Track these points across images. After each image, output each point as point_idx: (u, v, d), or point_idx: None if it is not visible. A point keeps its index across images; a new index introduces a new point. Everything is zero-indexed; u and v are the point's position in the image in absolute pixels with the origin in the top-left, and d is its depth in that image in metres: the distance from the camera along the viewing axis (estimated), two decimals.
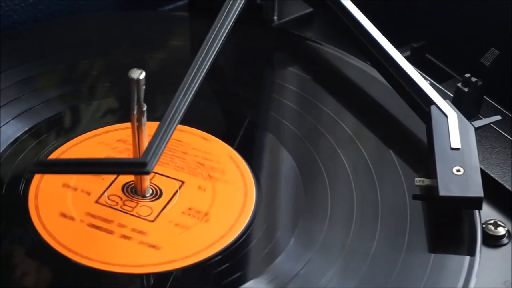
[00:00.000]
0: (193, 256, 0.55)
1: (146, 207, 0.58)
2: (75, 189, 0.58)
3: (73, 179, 0.59)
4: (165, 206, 0.58)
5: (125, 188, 0.58)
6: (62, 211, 0.57)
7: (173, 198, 0.58)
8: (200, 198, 0.58)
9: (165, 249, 0.55)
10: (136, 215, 0.57)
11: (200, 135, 0.62)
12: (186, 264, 0.54)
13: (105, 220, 0.56)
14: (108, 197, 0.58)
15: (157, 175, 0.59)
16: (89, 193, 0.58)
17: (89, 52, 0.69)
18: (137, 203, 0.58)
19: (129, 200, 0.58)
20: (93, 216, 0.56)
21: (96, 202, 0.57)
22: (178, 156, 0.60)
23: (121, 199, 0.58)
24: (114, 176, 0.59)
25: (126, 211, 0.57)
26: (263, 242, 0.56)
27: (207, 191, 0.59)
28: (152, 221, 0.57)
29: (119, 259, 0.54)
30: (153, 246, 0.55)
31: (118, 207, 0.57)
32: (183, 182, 0.59)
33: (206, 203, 0.58)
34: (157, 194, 0.58)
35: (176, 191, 0.59)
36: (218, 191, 0.59)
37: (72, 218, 0.56)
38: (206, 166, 0.60)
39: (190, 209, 0.58)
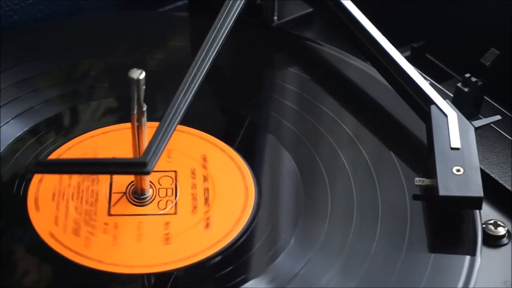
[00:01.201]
0: (193, 256, 0.55)
1: (152, 207, 0.58)
2: (75, 198, 0.58)
3: (70, 186, 0.58)
4: (175, 197, 0.58)
5: (128, 190, 0.58)
6: (68, 221, 0.56)
7: (177, 188, 0.59)
8: (199, 185, 0.59)
9: (220, 218, 0.56)
10: (159, 213, 0.57)
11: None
12: (207, 255, 0.55)
13: (114, 224, 0.56)
14: (112, 202, 0.57)
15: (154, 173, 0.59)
16: (90, 199, 0.58)
17: (89, 52, 0.69)
18: (142, 204, 0.58)
19: (133, 201, 0.58)
20: (103, 223, 0.56)
21: (101, 207, 0.57)
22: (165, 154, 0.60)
23: (125, 201, 0.58)
24: (108, 182, 0.59)
25: (132, 213, 0.57)
26: (263, 242, 0.56)
27: (207, 184, 0.59)
28: (163, 220, 0.57)
29: (140, 260, 0.54)
30: (169, 244, 0.55)
31: (135, 212, 0.57)
32: (176, 172, 0.60)
33: (208, 196, 0.58)
34: (157, 193, 0.58)
35: (174, 182, 0.59)
36: (217, 183, 0.59)
37: (80, 227, 0.56)
38: (198, 159, 0.61)
39: (193, 194, 0.58)
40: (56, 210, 0.57)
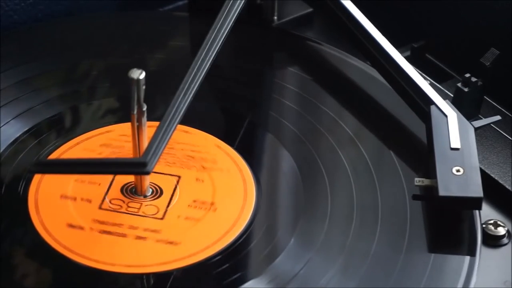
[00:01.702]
0: (193, 256, 0.55)
1: (151, 206, 0.58)
2: (75, 198, 0.58)
3: (70, 187, 0.58)
4: (169, 203, 0.58)
5: (125, 189, 0.58)
6: (68, 221, 0.56)
7: (175, 194, 0.58)
8: (201, 190, 0.59)
9: (184, 243, 0.55)
10: (144, 215, 0.57)
11: (180, 128, 0.62)
12: (207, 255, 0.54)
13: (114, 224, 0.56)
14: (110, 201, 0.58)
15: (152, 173, 0.59)
16: (90, 201, 0.58)
17: (89, 52, 0.69)
18: (141, 203, 0.58)
19: (132, 202, 0.58)
20: (102, 223, 0.56)
21: (100, 208, 0.57)
22: (166, 153, 0.60)
23: (123, 201, 0.58)
24: (110, 180, 0.59)
25: (132, 212, 0.57)
26: (263, 242, 0.56)
27: (206, 182, 0.59)
28: (162, 218, 0.57)
29: (140, 260, 0.54)
30: (171, 243, 0.55)
31: (123, 210, 0.57)
32: (179, 177, 0.59)
33: (208, 193, 0.58)
34: (158, 192, 0.58)
35: (176, 187, 0.59)
36: (216, 181, 0.59)
37: (81, 228, 0.56)
38: (197, 158, 0.60)
39: (195, 201, 0.58)
40: (56, 207, 0.57)
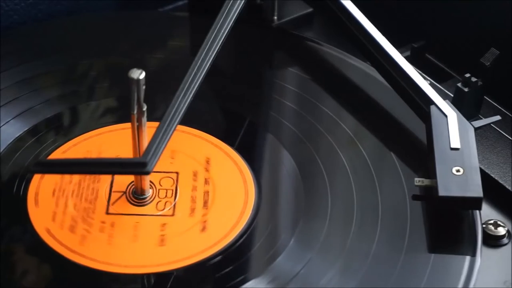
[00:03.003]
0: (193, 256, 0.55)
1: (158, 204, 0.58)
2: (76, 200, 0.58)
3: (70, 187, 0.58)
4: (175, 198, 0.58)
5: (127, 191, 0.58)
6: (68, 221, 0.56)
7: (177, 190, 0.59)
8: (201, 183, 0.59)
9: (209, 228, 0.56)
10: (154, 214, 0.57)
11: (180, 128, 0.62)
12: (207, 255, 0.55)
13: (128, 226, 0.56)
14: (114, 204, 0.57)
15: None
16: (94, 205, 0.57)
17: (89, 52, 0.69)
18: (147, 203, 0.58)
19: (137, 202, 0.58)
20: (112, 225, 0.56)
21: (107, 213, 0.57)
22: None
23: (128, 203, 0.58)
24: (110, 180, 0.59)
25: (143, 213, 0.57)
26: (263, 242, 0.56)
27: (202, 176, 0.60)
28: (172, 215, 0.57)
29: (140, 260, 0.54)
30: (203, 228, 0.56)
31: (131, 211, 0.57)
32: (177, 173, 0.60)
33: (208, 185, 0.59)
34: (157, 190, 0.58)
35: (175, 183, 0.59)
36: (217, 181, 0.59)
37: (88, 231, 0.56)
38: (196, 158, 0.61)
39: (196, 193, 0.58)
40: (55, 207, 0.57)
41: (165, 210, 0.57)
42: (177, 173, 0.60)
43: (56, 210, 0.57)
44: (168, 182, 0.59)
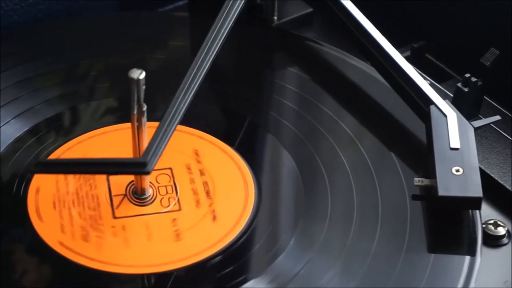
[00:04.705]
0: (194, 256, 0.55)
1: (162, 201, 0.58)
2: (78, 202, 0.58)
3: (70, 186, 0.58)
4: (176, 194, 0.58)
5: (128, 192, 0.58)
6: (69, 221, 0.56)
7: (176, 185, 0.59)
8: (197, 176, 0.59)
9: (219, 219, 0.56)
10: (161, 211, 0.57)
11: (180, 128, 0.61)
12: (207, 255, 0.55)
13: (138, 228, 0.56)
14: (119, 207, 0.57)
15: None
16: (97, 209, 0.57)
17: (89, 52, 0.69)
18: (150, 202, 0.58)
19: (140, 203, 0.58)
20: (124, 228, 0.56)
21: (114, 217, 0.57)
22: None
23: (132, 204, 0.58)
24: (106, 185, 0.59)
25: (149, 212, 0.57)
26: (264, 242, 0.56)
27: (196, 168, 0.60)
28: (179, 210, 0.57)
29: (140, 259, 0.54)
30: (213, 219, 0.56)
31: (138, 212, 0.57)
32: (171, 169, 0.60)
33: (205, 177, 0.59)
34: (157, 188, 0.58)
35: (172, 178, 0.59)
36: (217, 181, 0.59)
37: (102, 238, 0.56)
38: (196, 158, 0.61)
39: (196, 185, 0.59)
40: (60, 219, 0.56)
41: (171, 206, 0.58)
42: (170, 168, 0.60)
43: (63, 222, 0.56)
44: (164, 178, 0.59)
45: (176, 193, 0.58)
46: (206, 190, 0.58)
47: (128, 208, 0.57)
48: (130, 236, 0.56)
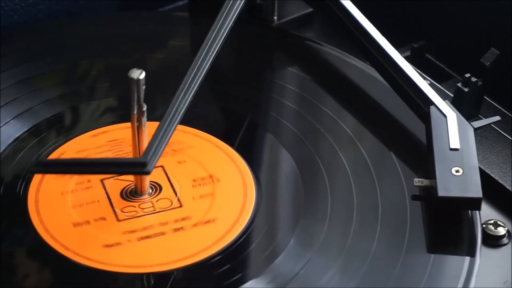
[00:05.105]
0: (193, 256, 0.55)
1: (162, 200, 0.58)
2: (78, 205, 0.58)
3: (71, 186, 0.58)
4: (175, 191, 0.58)
5: (124, 193, 0.58)
6: (69, 221, 0.56)
7: (172, 182, 0.59)
8: (192, 169, 0.60)
9: (219, 218, 0.56)
10: (163, 209, 0.57)
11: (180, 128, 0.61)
12: (207, 255, 0.55)
13: (145, 228, 0.56)
14: (122, 211, 0.57)
15: None
16: (98, 210, 0.57)
17: (89, 52, 0.69)
18: (151, 202, 0.58)
19: (142, 203, 0.58)
20: (132, 232, 0.56)
21: (118, 220, 0.57)
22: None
23: (134, 206, 0.58)
24: (103, 189, 0.59)
25: (151, 212, 0.57)
26: (263, 242, 0.56)
27: (189, 161, 0.60)
28: (181, 206, 0.57)
29: (140, 260, 0.54)
30: (208, 221, 0.56)
31: (141, 213, 0.57)
32: (162, 166, 0.60)
33: (201, 169, 0.59)
34: (157, 187, 0.59)
35: (167, 175, 0.59)
36: (216, 181, 0.59)
37: (120, 244, 0.55)
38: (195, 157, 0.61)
39: (194, 180, 0.59)
40: (60, 219, 0.56)
41: (170, 206, 0.57)
42: (162, 166, 0.60)
43: (57, 210, 0.57)
44: (159, 176, 0.59)
45: (176, 193, 0.58)
46: (206, 190, 0.58)
47: (128, 208, 0.57)
48: (130, 236, 0.56)
